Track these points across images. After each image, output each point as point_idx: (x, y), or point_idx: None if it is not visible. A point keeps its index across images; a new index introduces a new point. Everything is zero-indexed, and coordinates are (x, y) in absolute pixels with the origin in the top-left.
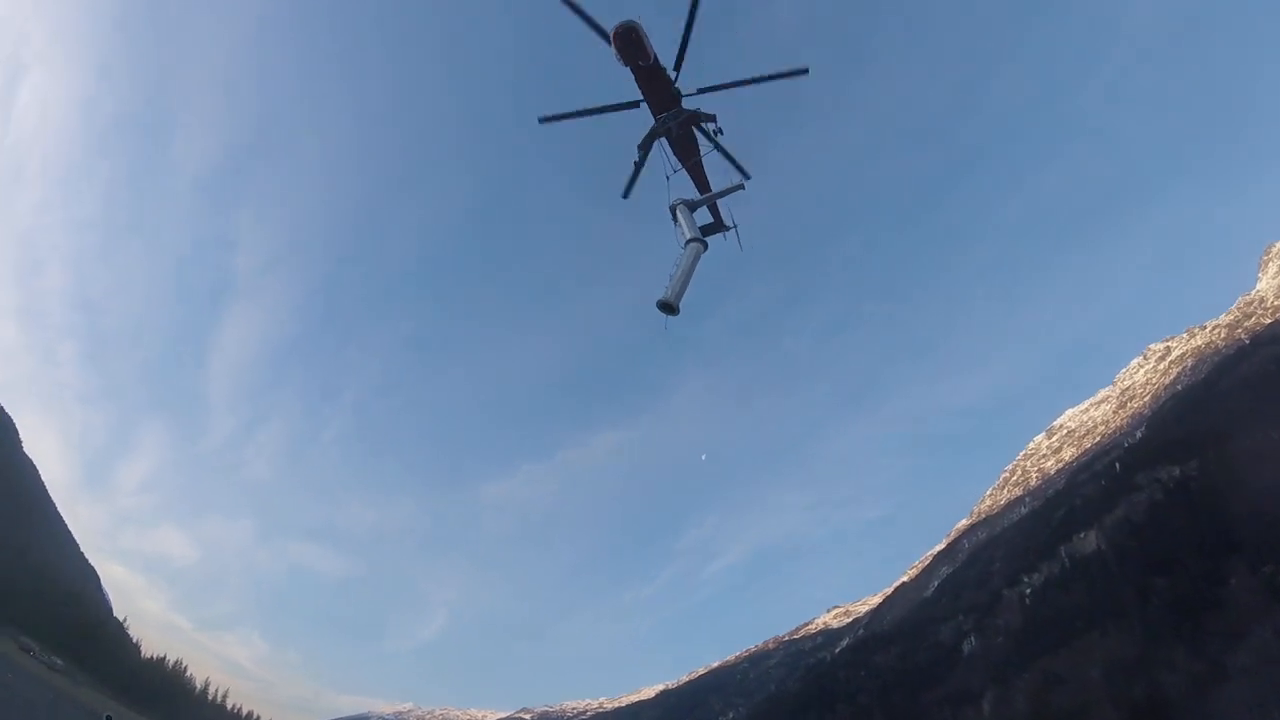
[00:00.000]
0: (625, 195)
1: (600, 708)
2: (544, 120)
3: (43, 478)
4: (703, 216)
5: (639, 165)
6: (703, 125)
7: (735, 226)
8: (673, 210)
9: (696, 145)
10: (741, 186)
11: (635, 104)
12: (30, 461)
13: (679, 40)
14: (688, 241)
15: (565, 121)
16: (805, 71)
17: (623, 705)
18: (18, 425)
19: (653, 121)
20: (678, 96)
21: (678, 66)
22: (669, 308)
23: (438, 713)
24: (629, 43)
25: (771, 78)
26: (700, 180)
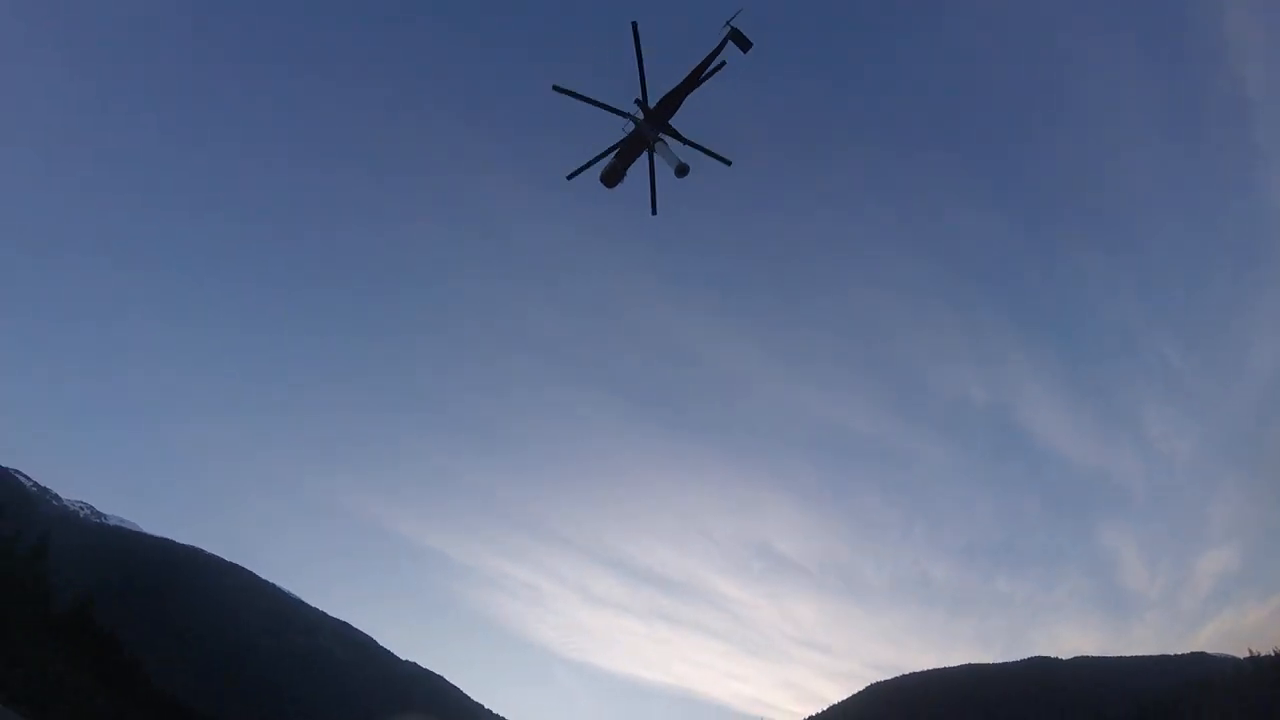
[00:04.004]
0: (654, 212)
1: None
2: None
3: None
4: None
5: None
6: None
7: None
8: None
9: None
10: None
11: (639, 150)
12: None
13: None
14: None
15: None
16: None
17: None
18: None
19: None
20: (641, 127)
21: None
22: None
23: None
24: (613, 180)
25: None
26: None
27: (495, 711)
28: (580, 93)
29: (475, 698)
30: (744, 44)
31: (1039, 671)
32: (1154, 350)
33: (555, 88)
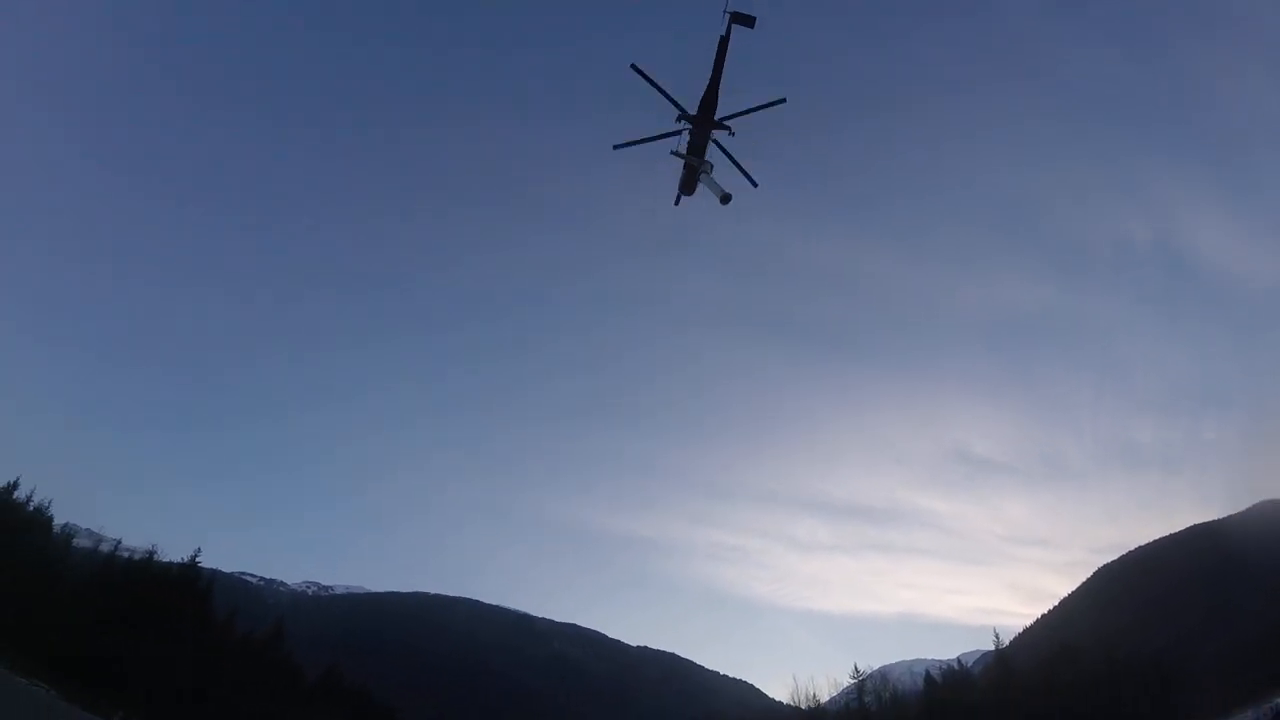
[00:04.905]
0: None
1: None
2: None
3: None
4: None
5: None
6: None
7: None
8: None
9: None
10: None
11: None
12: None
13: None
14: (701, 175)
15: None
16: (783, 100)
17: None
18: None
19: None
20: (695, 128)
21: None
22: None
23: None
24: (688, 189)
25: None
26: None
27: (730, 675)
28: (655, 81)
29: (710, 667)
30: (747, 22)
31: (1269, 515)
32: None
33: (633, 67)
